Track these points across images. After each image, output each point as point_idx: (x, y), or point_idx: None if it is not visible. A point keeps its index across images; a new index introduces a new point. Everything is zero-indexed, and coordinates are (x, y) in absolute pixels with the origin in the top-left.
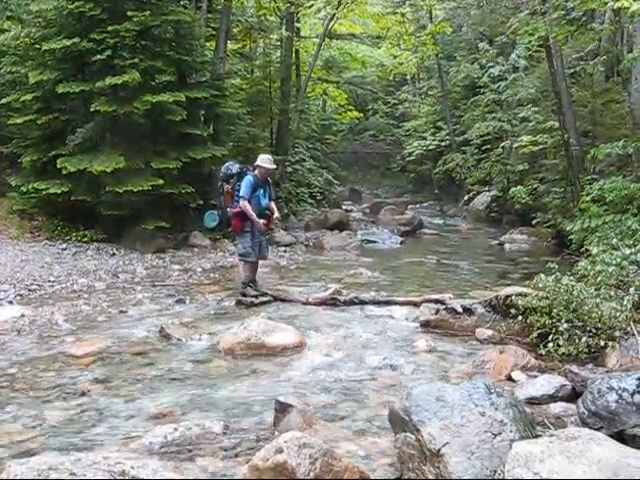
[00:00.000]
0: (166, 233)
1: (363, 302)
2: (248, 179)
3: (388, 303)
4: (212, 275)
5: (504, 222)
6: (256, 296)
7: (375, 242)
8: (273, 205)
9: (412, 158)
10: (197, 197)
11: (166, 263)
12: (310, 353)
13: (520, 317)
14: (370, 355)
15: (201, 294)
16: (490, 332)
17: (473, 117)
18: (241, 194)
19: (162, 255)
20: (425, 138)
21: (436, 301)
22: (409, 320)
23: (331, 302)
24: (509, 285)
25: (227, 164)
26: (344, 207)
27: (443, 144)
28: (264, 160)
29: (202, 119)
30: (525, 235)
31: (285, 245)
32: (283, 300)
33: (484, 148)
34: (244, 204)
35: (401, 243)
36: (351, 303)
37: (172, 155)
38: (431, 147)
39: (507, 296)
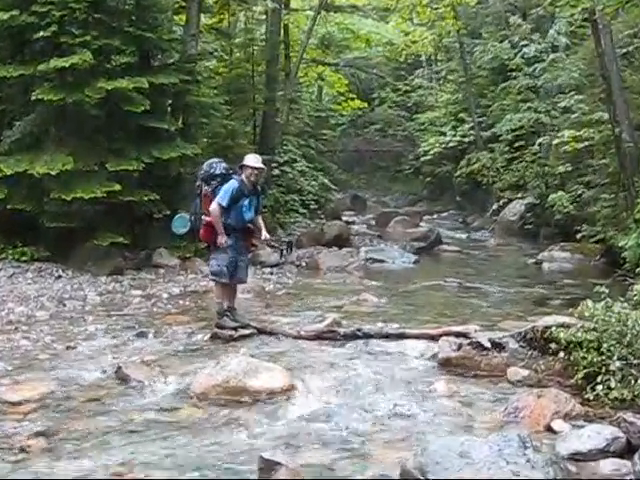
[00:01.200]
0: (124, 251)
1: (368, 335)
2: (232, 184)
3: (399, 337)
4: (181, 302)
5: (542, 236)
6: (236, 328)
7: (383, 261)
8: (260, 221)
9: (428, 158)
10: (163, 206)
11: (124, 287)
12: (302, 398)
13: (562, 353)
14: (377, 401)
15: (168, 326)
16: (525, 372)
17: (503, 107)
18: (217, 199)
19: (119, 278)
20: (444, 133)
21: (458, 334)
22: (425, 358)
23: (328, 336)
24: (548, 314)
25: (211, 161)
26: (344, 218)
27: (466, 140)
28: (249, 158)
29: (169, 110)
30: (567, 252)
31: (271, 265)
32: (269, 333)
33: (517, 145)
34: (215, 210)
35: (415, 262)
36: (353, 337)
37: (132, 154)
38: (451, 144)
39: (546, 328)
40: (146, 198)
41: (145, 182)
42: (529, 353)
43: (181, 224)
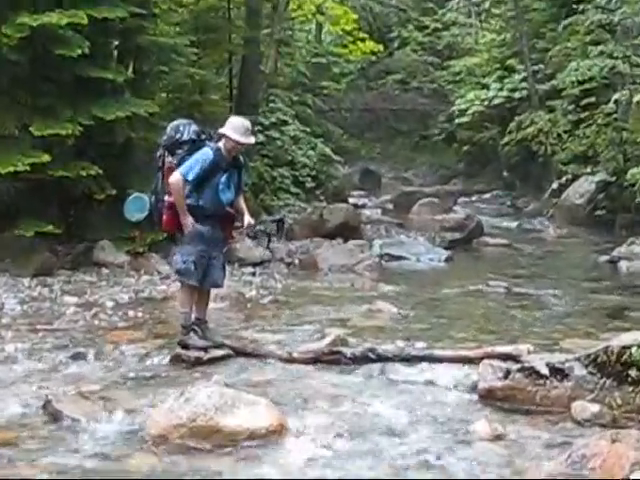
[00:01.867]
0: (55, 243)
1: (384, 358)
2: (205, 154)
3: (426, 360)
4: (132, 313)
5: (618, 225)
6: (206, 348)
7: (404, 258)
8: (242, 203)
9: (465, 120)
10: (107, 184)
11: (55, 293)
12: (295, 442)
13: None
14: (395, 446)
15: (113, 345)
16: (595, 408)
17: (566, 52)
18: (181, 169)
19: (48, 280)
20: (487, 87)
21: (505, 356)
22: (460, 388)
23: (330, 358)
24: (627, 330)
25: (177, 123)
26: (352, 200)
27: (517, 96)
28: (236, 127)
29: (115, 55)
30: None
31: (253, 264)
32: (250, 355)
33: (585, 103)
34: (175, 184)
35: (447, 260)
36: (364, 360)
37: (65, 114)
38: (497, 101)
39: (624, 348)
40: (84, 173)
41: (83, 151)
42: (601, 382)
43: (137, 208)
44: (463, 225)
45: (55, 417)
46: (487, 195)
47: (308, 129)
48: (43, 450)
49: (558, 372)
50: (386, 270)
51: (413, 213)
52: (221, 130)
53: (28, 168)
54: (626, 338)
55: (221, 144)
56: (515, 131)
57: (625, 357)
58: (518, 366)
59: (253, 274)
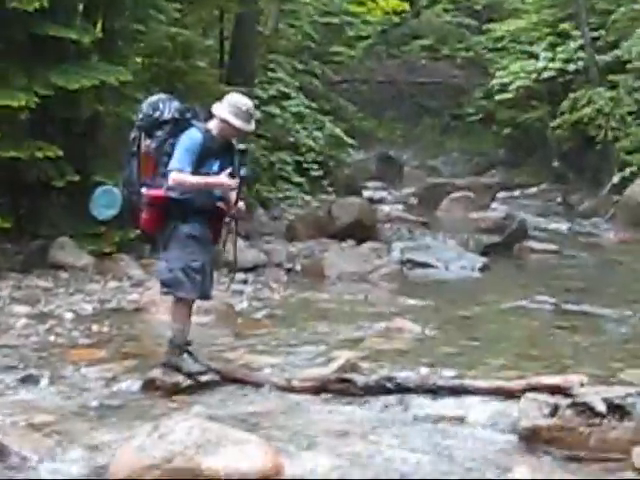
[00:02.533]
0: (2, 239)
1: (404, 389)
2: (193, 136)
3: (456, 392)
4: (96, 328)
5: None
6: (196, 375)
7: (430, 266)
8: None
9: (508, 96)
10: (68, 168)
11: (2, 301)
12: None
13: None
14: None
15: (73, 366)
16: None
17: (633, 15)
18: (172, 165)
19: None
20: (535, 56)
21: (553, 389)
22: (497, 428)
23: (339, 388)
24: None
25: (156, 98)
26: (367, 193)
27: (571, 69)
28: (236, 109)
29: (80, 10)
30: None
31: (245, 270)
32: (239, 382)
33: None
34: (180, 180)
35: (482, 269)
36: (379, 390)
37: (18, 82)
38: (547, 75)
39: None
40: (40, 154)
41: (40, 128)
42: None
43: (107, 202)
44: (503, 226)
45: (0, 453)
46: (533, 190)
47: (315, 105)
48: None
49: (617, 409)
50: (408, 280)
51: (442, 210)
52: (217, 111)
53: None
54: None
55: (212, 125)
56: (568, 112)
57: None
58: (568, 401)
59: (244, 282)
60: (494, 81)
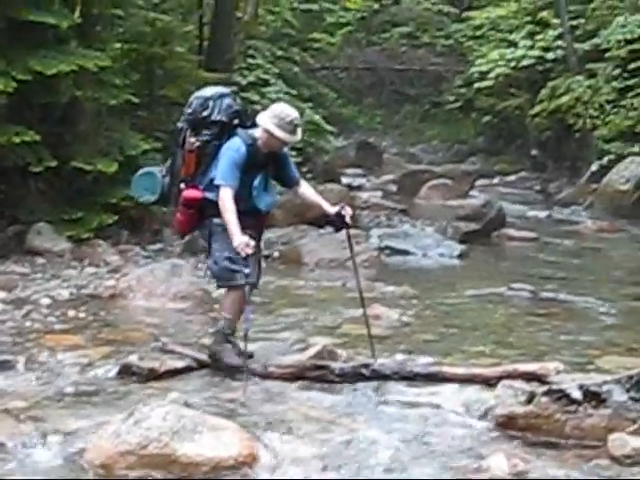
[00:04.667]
0: None
1: (381, 375)
2: (236, 148)
3: (432, 378)
4: (72, 314)
5: None
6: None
7: (408, 253)
8: (310, 193)
9: (487, 84)
10: (45, 153)
11: None
12: (269, 477)
13: None
14: None
15: (49, 352)
16: (638, 442)
17: (612, 3)
18: (219, 178)
19: None
20: (514, 44)
21: (529, 377)
22: (474, 414)
23: (315, 374)
24: None
25: (208, 94)
26: (346, 180)
27: (551, 57)
28: (279, 120)
29: None
30: None
31: None
32: (217, 368)
33: (633, 67)
34: (224, 200)
35: (461, 256)
36: (356, 377)
37: None
38: (526, 63)
39: None
40: (18, 139)
41: (17, 113)
42: None
43: (148, 186)
44: (481, 213)
45: None
46: (511, 177)
47: (294, 91)
48: None
49: (593, 397)
50: (386, 267)
51: (420, 197)
52: (261, 122)
53: None
54: None
55: (257, 134)
56: (547, 100)
57: None
58: (545, 389)
59: None
60: (473, 69)
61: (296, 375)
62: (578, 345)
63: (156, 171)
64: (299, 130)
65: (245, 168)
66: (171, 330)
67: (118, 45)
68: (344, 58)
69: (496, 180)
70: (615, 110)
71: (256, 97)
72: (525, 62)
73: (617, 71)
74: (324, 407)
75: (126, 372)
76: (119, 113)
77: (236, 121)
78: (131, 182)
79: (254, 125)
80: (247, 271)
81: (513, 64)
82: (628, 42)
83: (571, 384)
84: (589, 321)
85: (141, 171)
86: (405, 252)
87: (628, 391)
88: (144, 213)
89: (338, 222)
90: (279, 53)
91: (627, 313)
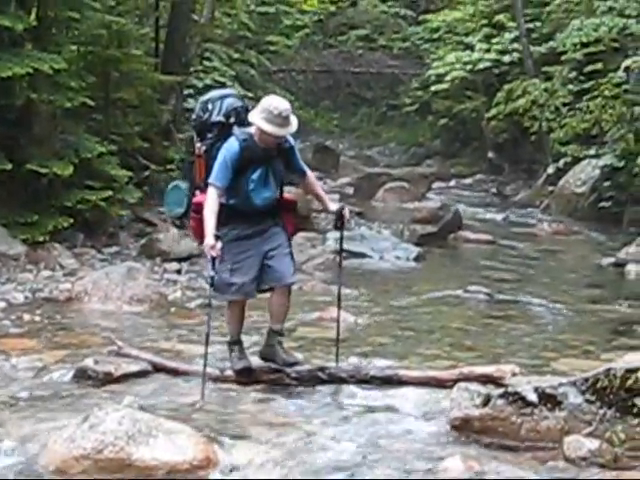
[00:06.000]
0: None
1: (336, 378)
2: (230, 148)
3: (388, 381)
4: (27, 317)
5: (626, 220)
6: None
7: (364, 256)
8: (316, 186)
9: (444, 87)
10: (0, 157)
11: None
12: None
13: None
14: None
15: (3, 356)
16: (594, 443)
17: (568, 7)
18: (210, 178)
19: None
20: (471, 47)
21: (485, 379)
22: (429, 417)
23: (271, 378)
24: (634, 349)
25: (208, 97)
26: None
27: (507, 60)
28: (267, 113)
29: None
30: None
31: (179, 259)
32: (172, 372)
33: (589, 70)
34: (208, 198)
35: (417, 259)
36: (312, 380)
37: None
38: (482, 65)
39: (629, 372)
40: None
41: None
42: (600, 413)
43: (175, 200)
44: (438, 216)
45: None
46: (468, 180)
47: (251, 94)
48: None
49: (549, 399)
50: (343, 270)
51: (377, 200)
52: (251, 119)
53: None
54: (632, 359)
55: (253, 130)
56: (503, 103)
57: (630, 382)
58: (500, 391)
59: (178, 271)
60: (430, 72)
61: (252, 379)
62: (534, 347)
63: (182, 184)
64: (292, 121)
65: (239, 165)
66: (127, 334)
67: (74, 48)
68: (301, 61)
69: (453, 183)
70: (571, 113)
71: None
72: (481, 65)
73: (573, 74)
74: (280, 410)
75: (81, 376)
76: (74, 116)
77: (232, 119)
78: (164, 197)
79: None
80: (242, 281)
81: (469, 67)
82: (584, 45)
83: (527, 386)
84: (545, 323)
85: (170, 185)
86: (362, 255)
87: (584, 393)
88: (100, 216)
89: (336, 221)
90: (235, 56)
91: (583, 315)
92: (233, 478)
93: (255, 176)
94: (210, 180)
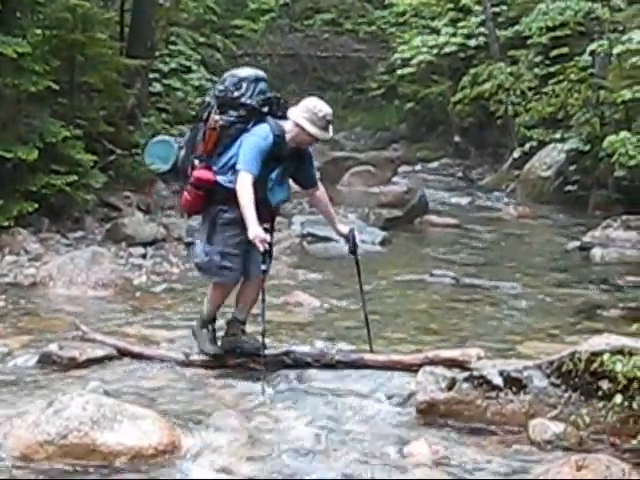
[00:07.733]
0: None
1: (302, 363)
2: (265, 135)
3: (353, 365)
4: None
5: (592, 204)
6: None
7: (330, 240)
8: (327, 204)
9: (409, 71)
10: None
11: None
12: (190, 465)
13: (619, 397)
14: (312, 471)
15: None
16: (558, 427)
17: None
18: (241, 163)
19: None
20: (437, 31)
21: (450, 363)
22: (395, 401)
23: (236, 362)
24: (599, 332)
25: (243, 75)
26: None
27: (472, 44)
28: (312, 115)
29: None
30: (634, 231)
31: (144, 243)
32: (137, 356)
33: (554, 55)
34: (243, 187)
35: (383, 243)
36: (278, 365)
37: None
38: (448, 49)
39: (594, 355)
40: None
41: None
42: (565, 396)
43: (162, 154)
44: (404, 200)
45: None
46: (434, 164)
47: (216, 78)
48: None
49: (514, 383)
50: (308, 254)
51: (343, 184)
52: (293, 115)
53: None
54: (597, 342)
55: (287, 126)
56: (469, 87)
57: (595, 365)
58: (465, 375)
59: (143, 256)
60: (396, 56)
61: (217, 363)
62: (499, 331)
63: (173, 141)
64: (331, 127)
65: (267, 158)
66: (92, 319)
67: (38, 31)
68: (267, 45)
69: (419, 167)
70: (537, 97)
71: (178, 84)
72: (447, 49)
73: (539, 58)
74: (245, 395)
75: (46, 361)
76: (39, 100)
77: (266, 108)
78: (145, 147)
79: (283, 117)
80: (235, 267)
81: (435, 51)
82: (550, 29)
83: (492, 370)
84: (510, 307)
85: (157, 138)
86: (327, 239)
87: (549, 377)
88: (65, 201)
89: (350, 246)
90: (201, 40)
91: (548, 299)
92: (198, 462)
93: (274, 175)
94: (244, 166)
